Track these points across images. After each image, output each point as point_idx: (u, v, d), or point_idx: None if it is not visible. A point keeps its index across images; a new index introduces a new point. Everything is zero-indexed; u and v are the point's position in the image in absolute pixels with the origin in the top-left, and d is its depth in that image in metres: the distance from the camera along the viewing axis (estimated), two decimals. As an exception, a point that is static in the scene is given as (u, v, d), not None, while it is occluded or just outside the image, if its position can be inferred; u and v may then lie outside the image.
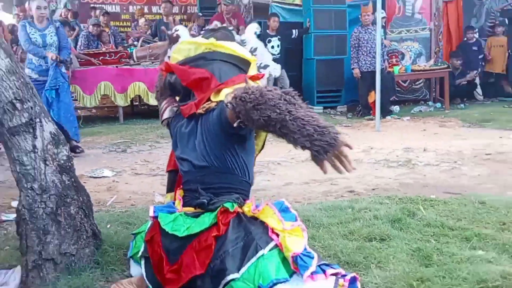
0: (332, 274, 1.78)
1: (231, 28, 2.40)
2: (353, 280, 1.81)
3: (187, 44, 2.18)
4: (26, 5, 9.75)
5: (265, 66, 2.35)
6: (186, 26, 9.47)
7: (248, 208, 1.90)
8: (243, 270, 1.69)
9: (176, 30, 2.48)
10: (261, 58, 2.34)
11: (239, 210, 1.89)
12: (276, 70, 2.44)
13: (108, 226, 2.75)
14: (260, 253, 1.72)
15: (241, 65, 2.14)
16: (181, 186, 2.15)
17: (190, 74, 2.09)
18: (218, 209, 1.86)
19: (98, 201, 3.42)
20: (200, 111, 2.02)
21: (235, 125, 1.83)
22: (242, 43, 2.28)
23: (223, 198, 1.91)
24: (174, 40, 2.44)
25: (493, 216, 2.78)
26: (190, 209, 1.97)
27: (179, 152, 2.13)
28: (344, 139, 1.61)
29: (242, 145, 2.00)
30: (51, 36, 5.22)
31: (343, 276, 1.81)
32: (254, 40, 2.35)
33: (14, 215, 2.49)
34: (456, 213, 2.86)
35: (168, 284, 1.81)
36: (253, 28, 2.50)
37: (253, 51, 2.31)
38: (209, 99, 2.02)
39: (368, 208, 2.98)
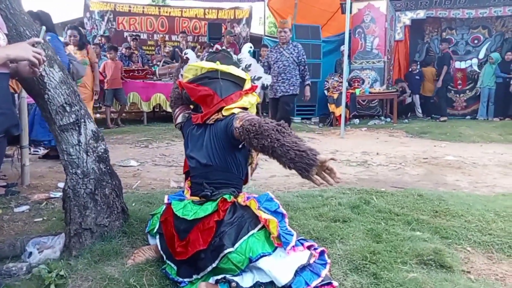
0: (308, 246, 1.80)
1: (229, 50, 2.38)
2: (322, 253, 1.84)
3: (195, 66, 2.15)
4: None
5: (258, 78, 2.32)
6: (193, 49, 9.46)
7: (241, 199, 1.91)
8: (237, 245, 1.69)
9: (185, 54, 2.45)
10: (255, 72, 2.31)
11: (235, 200, 1.89)
12: (267, 79, 2.38)
13: (133, 204, 2.73)
14: (250, 232, 1.74)
15: (238, 81, 2.11)
16: (189, 179, 2.13)
17: (196, 91, 2.05)
18: (219, 199, 1.86)
19: (126, 185, 3.39)
20: (209, 122, 2.01)
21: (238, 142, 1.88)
22: (239, 61, 2.25)
23: (222, 191, 1.92)
24: (184, 61, 2.42)
25: (428, 206, 2.80)
26: (196, 198, 1.97)
27: (189, 150, 2.11)
28: (324, 157, 1.51)
29: (240, 150, 1.99)
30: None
31: (315, 249, 1.83)
32: (248, 58, 2.30)
33: (61, 194, 2.47)
34: (400, 203, 2.87)
35: (178, 255, 1.81)
36: (247, 47, 2.45)
37: (248, 66, 2.27)
38: (216, 112, 1.99)
39: (334, 196, 2.99)
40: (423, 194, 3.05)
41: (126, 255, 2.00)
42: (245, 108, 2.05)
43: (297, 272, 1.65)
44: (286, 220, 1.86)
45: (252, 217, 1.80)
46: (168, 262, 1.88)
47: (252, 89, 2.17)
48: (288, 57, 5.17)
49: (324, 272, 1.72)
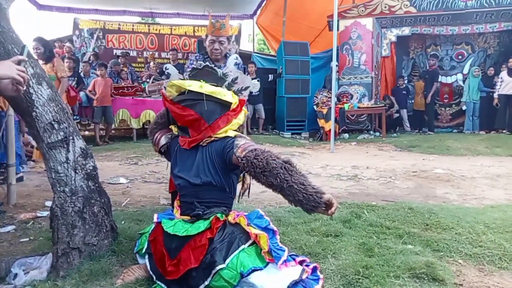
0: (300, 261, 1.79)
1: (213, 65, 2.28)
2: (314, 269, 1.82)
3: (177, 84, 2.03)
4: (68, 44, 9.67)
5: (246, 88, 2.27)
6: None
7: (232, 217, 1.89)
8: (228, 260, 1.67)
9: (166, 69, 2.33)
10: (242, 82, 2.21)
11: (226, 218, 1.87)
12: (255, 87, 2.30)
13: (123, 222, 2.68)
14: (241, 247, 1.72)
15: (224, 102, 2.02)
16: (178, 198, 2.10)
17: (183, 116, 2.00)
18: (212, 217, 1.84)
19: (115, 202, 3.33)
20: (202, 144, 1.98)
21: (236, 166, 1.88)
22: (225, 76, 2.13)
23: (214, 210, 1.90)
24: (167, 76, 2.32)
25: (419, 219, 2.80)
26: (187, 217, 1.93)
27: (177, 170, 2.06)
28: (328, 197, 1.64)
29: (233, 171, 1.99)
30: None
31: (307, 265, 1.82)
32: (234, 71, 2.19)
33: (48, 212, 2.42)
34: (391, 216, 2.87)
35: (169, 275, 1.77)
36: (232, 59, 2.40)
37: (234, 80, 2.17)
38: (208, 137, 1.98)
39: (325, 211, 2.97)
40: (414, 207, 3.05)
41: (115, 275, 1.95)
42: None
43: (291, 286, 1.63)
44: (277, 236, 1.84)
45: (242, 233, 1.79)
46: (158, 282, 1.84)
47: (241, 105, 2.12)
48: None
49: (317, 288, 1.70)
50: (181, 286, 1.75)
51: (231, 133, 1.99)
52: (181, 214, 1.98)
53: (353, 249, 2.26)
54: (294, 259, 1.77)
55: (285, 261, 1.70)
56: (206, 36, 2.92)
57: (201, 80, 2.05)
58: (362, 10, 9.28)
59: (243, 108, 2.17)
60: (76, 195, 2.06)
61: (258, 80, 2.43)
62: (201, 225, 1.82)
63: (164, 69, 2.44)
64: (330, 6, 7.52)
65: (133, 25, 11.57)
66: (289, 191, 1.66)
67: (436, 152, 6.66)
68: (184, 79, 2.14)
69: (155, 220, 1.99)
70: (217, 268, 1.65)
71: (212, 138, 1.98)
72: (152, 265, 1.90)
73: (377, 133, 9.06)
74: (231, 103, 2.04)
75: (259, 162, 1.72)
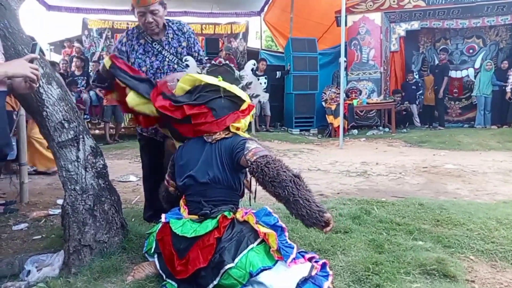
0: (309, 258, 1.79)
1: (232, 65, 2.35)
2: (324, 265, 1.82)
3: (194, 77, 2.06)
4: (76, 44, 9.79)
5: (256, 96, 2.30)
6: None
7: (240, 214, 1.88)
8: (237, 260, 1.67)
9: (186, 60, 2.35)
10: (254, 89, 2.27)
11: (234, 216, 1.87)
12: (264, 97, 2.36)
13: (133, 219, 2.71)
14: (250, 246, 1.72)
15: (236, 100, 2.07)
16: (184, 197, 2.08)
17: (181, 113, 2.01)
18: (219, 216, 1.83)
19: (125, 200, 3.37)
20: (209, 141, 2.00)
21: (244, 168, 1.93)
22: (240, 78, 2.21)
23: (221, 208, 1.89)
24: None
25: (429, 215, 2.77)
26: (195, 217, 1.93)
27: (182, 171, 2.04)
28: (328, 216, 1.72)
29: (240, 169, 2.00)
30: None
31: (316, 261, 1.81)
32: (250, 75, 2.27)
33: (59, 210, 2.45)
34: (401, 212, 2.85)
35: (178, 274, 1.78)
36: (250, 65, 2.42)
37: (248, 84, 2.24)
38: (216, 134, 1.99)
39: (334, 207, 2.96)
40: (424, 203, 3.02)
41: (125, 272, 1.97)
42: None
43: (299, 285, 1.63)
44: (286, 234, 1.83)
45: (251, 232, 1.78)
46: (168, 280, 1.85)
47: (249, 109, 2.13)
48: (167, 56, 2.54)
49: (327, 285, 1.69)
50: (191, 284, 1.75)
51: (242, 134, 2.00)
52: (188, 214, 1.97)
53: (362, 245, 2.25)
54: (303, 256, 1.77)
55: (294, 258, 1.69)
56: (133, 7, 2.32)
57: (218, 77, 2.09)
58: (370, 5, 9.18)
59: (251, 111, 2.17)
60: (86, 193, 2.08)
61: (265, 78, 2.49)
62: (209, 224, 1.82)
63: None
64: (338, 2, 7.47)
65: (141, 24, 11.62)
66: (294, 205, 1.73)
67: (447, 147, 6.58)
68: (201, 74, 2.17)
69: (162, 220, 1.97)
70: (226, 267, 1.65)
71: (222, 136, 1.99)
72: (162, 264, 1.90)
73: (387, 129, 8.98)
74: (243, 102, 2.07)
75: (269, 170, 1.76)
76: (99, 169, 2.16)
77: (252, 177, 1.89)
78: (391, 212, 2.87)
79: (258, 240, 1.75)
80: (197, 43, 2.50)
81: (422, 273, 1.92)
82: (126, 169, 4.97)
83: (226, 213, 1.85)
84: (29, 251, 2.27)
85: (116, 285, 1.85)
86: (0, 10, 1.90)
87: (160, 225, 2.00)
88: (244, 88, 2.20)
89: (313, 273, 1.70)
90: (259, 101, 2.36)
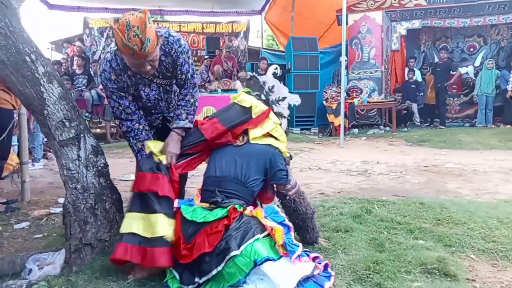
0: (313, 258, 1.81)
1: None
2: (326, 266, 1.84)
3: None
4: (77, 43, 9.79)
5: (283, 98, 2.33)
6: (196, 65, 9.53)
7: (248, 210, 1.90)
8: (242, 247, 1.69)
9: (275, 68, 2.58)
10: (279, 92, 2.30)
11: (243, 210, 1.89)
12: (294, 100, 2.38)
13: (134, 218, 2.70)
14: (256, 236, 1.74)
15: (244, 110, 2.14)
16: (201, 186, 2.13)
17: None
18: (230, 206, 1.86)
19: (126, 199, 3.33)
20: (238, 143, 2.11)
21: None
22: (264, 84, 2.27)
23: (232, 201, 1.92)
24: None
25: (430, 214, 2.78)
26: (206, 205, 1.96)
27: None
28: (320, 242, 2.26)
29: (266, 183, 2.12)
30: None
31: (319, 262, 1.83)
32: (271, 80, 2.30)
33: (61, 209, 2.45)
34: (402, 211, 2.86)
35: (182, 258, 1.80)
36: (272, 69, 2.45)
37: (271, 88, 2.27)
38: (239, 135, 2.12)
39: (335, 206, 2.97)
40: (425, 202, 3.03)
41: (127, 270, 1.97)
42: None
43: (301, 282, 1.64)
44: (292, 233, 1.86)
45: (258, 224, 1.81)
46: (172, 270, 1.85)
47: (266, 114, 2.15)
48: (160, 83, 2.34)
49: (328, 285, 1.71)
50: (193, 270, 1.77)
51: (280, 146, 2.12)
52: (200, 201, 2.02)
53: (363, 244, 2.25)
54: (308, 255, 1.79)
55: (299, 255, 1.71)
56: (121, 52, 1.91)
57: (247, 88, 2.24)
58: (372, 4, 9.16)
59: (271, 116, 2.18)
60: (87, 192, 2.09)
61: (276, 68, 2.50)
62: (219, 212, 1.85)
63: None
64: (339, 0, 7.46)
65: (142, 23, 11.60)
66: (302, 231, 2.21)
67: (448, 146, 6.57)
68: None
69: (175, 205, 1.99)
70: (231, 254, 1.67)
71: (254, 140, 2.10)
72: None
73: (387, 128, 8.97)
74: (250, 108, 2.13)
75: (301, 207, 2.16)
76: (100, 167, 2.16)
77: (279, 203, 2.16)
78: (392, 211, 2.87)
79: (265, 233, 1.78)
80: (186, 63, 2.11)
81: (423, 272, 1.92)
82: (127, 168, 4.96)
83: (237, 206, 1.88)
84: (30, 250, 2.28)
85: (117, 284, 1.85)
86: (1, 8, 1.90)
87: None
88: (268, 94, 2.23)
89: (315, 273, 1.72)
90: (289, 104, 2.36)
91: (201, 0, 10.40)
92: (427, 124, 9.41)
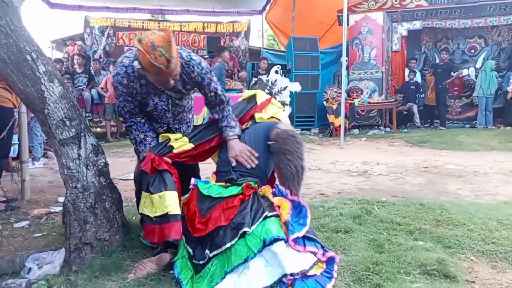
0: (311, 252, 1.78)
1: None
2: (330, 263, 1.82)
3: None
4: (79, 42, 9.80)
5: (285, 88, 2.54)
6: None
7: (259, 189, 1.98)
8: (253, 227, 1.74)
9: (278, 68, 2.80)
10: (280, 84, 2.55)
11: (256, 187, 1.97)
12: (295, 86, 2.62)
13: (134, 218, 2.71)
14: (265, 215, 1.79)
15: (249, 99, 2.41)
16: (215, 170, 2.24)
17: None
18: (244, 183, 1.94)
19: (126, 198, 3.36)
20: (244, 127, 2.29)
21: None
22: (267, 81, 2.49)
23: (247, 178, 2.01)
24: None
25: (430, 215, 2.77)
26: (221, 184, 2.05)
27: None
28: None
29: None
30: None
31: (325, 251, 1.83)
32: (274, 75, 2.57)
33: (61, 208, 2.45)
34: (402, 212, 2.85)
35: (196, 232, 1.85)
36: (274, 68, 2.73)
37: (274, 82, 2.50)
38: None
39: (335, 207, 2.96)
40: (425, 203, 3.02)
41: (126, 270, 1.98)
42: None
43: (302, 279, 1.66)
44: (308, 212, 1.88)
45: (269, 204, 1.86)
46: (185, 245, 1.90)
47: (268, 100, 2.39)
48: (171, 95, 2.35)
49: (329, 286, 1.72)
50: (205, 245, 1.80)
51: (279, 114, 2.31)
52: (216, 182, 2.11)
53: (363, 245, 2.25)
54: (304, 246, 1.77)
55: (304, 244, 1.74)
56: (145, 70, 1.94)
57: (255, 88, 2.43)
58: (373, 4, 9.16)
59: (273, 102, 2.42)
60: (88, 191, 2.09)
61: (267, 76, 2.66)
62: (234, 189, 1.93)
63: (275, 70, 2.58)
64: (340, 1, 7.45)
65: (143, 22, 11.61)
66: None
67: (448, 148, 6.56)
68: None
69: (192, 182, 2.08)
70: (244, 229, 1.72)
71: (260, 120, 2.28)
72: (184, 228, 1.94)
73: (388, 129, 8.96)
74: (254, 96, 2.38)
75: (292, 143, 2.09)
76: (100, 167, 2.16)
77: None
78: (392, 212, 2.87)
79: (274, 213, 1.82)
80: (211, 81, 2.17)
81: (423, 273, 1.91)
82: (127, 167, 4.97)
83: (251, 182, 1.95)
84: (30, 249, 2.28)
85: (117, 283, 1.86)
86: (2, 7, 1.90)
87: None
88: (271, 87, 2.44)
89: (317, 273, 1.72)
90: (290, 91, 2.60)
91: (202, 0, 10.41)
92: (428, 125, 9.42)
